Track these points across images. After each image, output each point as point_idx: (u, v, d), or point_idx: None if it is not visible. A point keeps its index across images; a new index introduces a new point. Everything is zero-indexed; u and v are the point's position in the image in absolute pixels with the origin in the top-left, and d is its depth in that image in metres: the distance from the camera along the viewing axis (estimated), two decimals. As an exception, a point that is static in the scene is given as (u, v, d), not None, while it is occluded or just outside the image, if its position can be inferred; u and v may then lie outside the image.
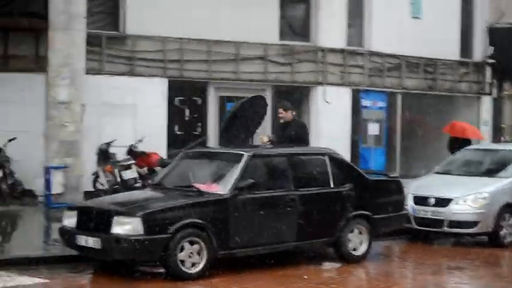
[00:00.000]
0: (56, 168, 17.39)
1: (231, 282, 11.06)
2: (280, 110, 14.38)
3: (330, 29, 22.64)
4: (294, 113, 14.39)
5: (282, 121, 14.39)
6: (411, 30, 23.98)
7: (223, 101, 21.51)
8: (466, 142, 20.24)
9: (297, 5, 22.92)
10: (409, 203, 14.95)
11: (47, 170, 17.36)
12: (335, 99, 22.59)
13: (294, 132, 13.96)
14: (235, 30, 21.01)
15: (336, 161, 13.25)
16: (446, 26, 24.93)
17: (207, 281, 11.01)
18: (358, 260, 12.85)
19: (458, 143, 20.46)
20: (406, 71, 24.21)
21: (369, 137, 23.32)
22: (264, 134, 14.42)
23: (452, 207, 14.78)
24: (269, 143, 14.03)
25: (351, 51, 23.12)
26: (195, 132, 21.08)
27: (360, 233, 12.97)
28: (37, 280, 11.00)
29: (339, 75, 22.86)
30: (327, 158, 13.08)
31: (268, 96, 21.98)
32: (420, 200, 15.13)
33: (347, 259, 12.77)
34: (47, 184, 17.35)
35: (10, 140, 17.82)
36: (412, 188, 15.56)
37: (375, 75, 23.64)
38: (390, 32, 23.51)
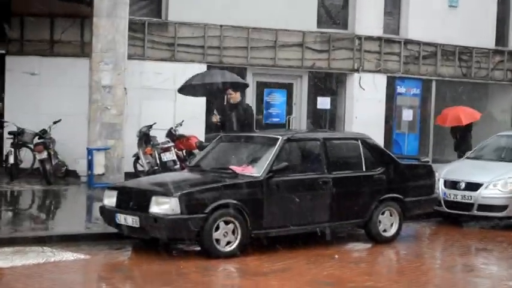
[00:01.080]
0: (98, 149, 17.56)
1: (264, 260, 11.14)
2: (230, 91, 14.14)
3: (367, 17, 22.60)
4: (241, 97, 14.20)
5: (231, 101, 14.12)
6: (447, 19, 23.85)
7: (261, 86, 21.60)
8: (467, 128, 20.37)
9: (335, -7, 22.96)
10: (440, 187, 14.98)
11: (90, 152, 17.52)
12: (370, 86, 22.57)
13: (238, 114, 13.81)
14: (274, 17, 21.07)
15: (369, 145, 13.27)
16: (482, 15, 24.73)
17: (241, 259, 11.11)
18: (388, 241, 12.91)
19: (460, 130, 20.55)
20: (441, 59, 24.08)
21: (403, 123, 23.28)
22: (215, 114, 14.24)
23: (482, 191, 14.78)
24: (218, 122, 13.95)
25: (387, 39, 23.07)
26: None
27: (391, 215, 13.02)
28: (79, 256, 11.14)
29: (375, 63, 22.83)
30: (359, 143, 13.13)
31: (305, 82, 22.12)
32: (451, 184, 15.16)
33: (377, 240, 12.83)
34: (90, 165, 17.50)
35: (55, 122, 18.03)
36: (444, 172, 15.56)
37: (410, 63, 23.56)
38: (426, 21, 23.40)
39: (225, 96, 14.25)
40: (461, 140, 20.86)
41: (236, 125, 13.77)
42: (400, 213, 13.10)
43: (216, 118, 14.09)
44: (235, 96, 13.95)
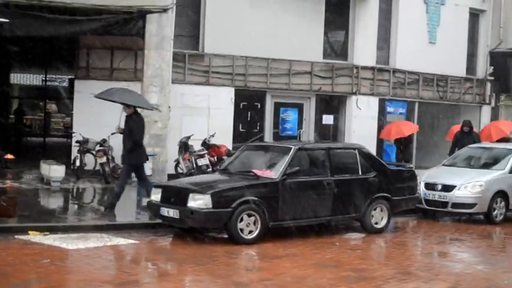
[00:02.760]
0: (147, 155, 17.52)
1: (279, 246, 11.09)
2: (124, 107, 13.74)
3: (363, 51, 22.46)
4: (133, 110, 13.58)
5: (126, 114, 13.69)
6: (427, 52, 23.69)
7: (277, 106, 21.53)
8: (409, 138, 20.19)
9: (337, 31, 22.78)
10: (421, 188, 14.86)
11: (140, 157, 17.46)
12: (365, 106, 22.42)
13: (130, 123, 13.46)
14: (289, 51, 20.99)
15: (364, 154, 13.20)
16: (455, 50, 24.57)
17: (260, 245, 11.07)
18: (379, 231, 12.82)
19: (402, 141, 20.67)
20: (422, 84, 23.90)
21: (392, 136, 23.14)
22: (118, 125, 13.98)
23: (455, 192, 14.67)
24: (121, 132, 13.65)
25: (379, 68, 22.92)
26: (254, 130, 21.07)
27: (381, 210, 12.94)
28: (130, 241, 11.16)
29: (369, 87, 22.68)
30: (357, 152, 13.08)
31: (313, 102, 22.02)
32: (430, 186, 15.03)
33: (370, 231, 12.74)
34: (140, 168, 17.45)
35: (113, 134, 17.97)
36: (424, 176, 15.44)
37: (397, 88, 23.40)
38: (411, 54, 23.23)
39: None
40: (405, 149, 21.20)
41: (127, 132, 13.49)
42: (388, 209, 13.01)
43: (117, 129, 13.96)
44: (128, 111, 13.60)
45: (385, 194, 12.99)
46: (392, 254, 11.44)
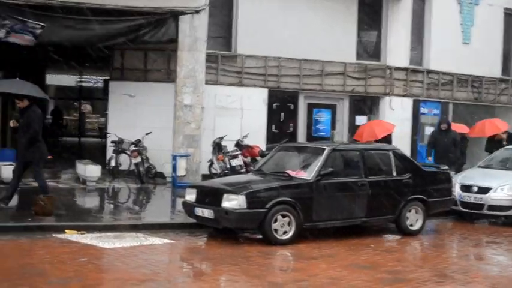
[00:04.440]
0: (181, 156, 17.63)
1: (313, 247, 11.06)
2: (17, 100, 12.91)
3: (396, 51, 22.34)
4: (28, 102, 12.68)
5: (19, 107, 12.94)
6: (461, 53, 23.49)
7: (310, 107, 21.50)
8: (386, 140, 18.59)
9: (370, 32, 22.67)
10: (457, 190, 14.68)
11: (174, 157, 17.58)
12: (399, 107, 22.30)
13: (25, 117, 12.63)
14: (321, 51, 20.95)
15: (398, 155, 13.10)
16: (490, 50, 24.33)
17: (294, 246, 11.04)
18: (414, 233, 12.71)
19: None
20: (456, 85, 23.71)
21: (426, 137, 22.88)
22: (13, 120, 13.05)
23: (491, 194, 14.46)
24: (16, 125, 12.78)
25: (413, 69, 22.78)
26: (288, 131, 21.08)
27: (416, 212, 12.82)
28: (165, 241, 11.21)
29: (403, 88, 22.55)
30: (391, 153, 12.98)
31: (346, 103, 21.95)
32: (465, 188, 14.84)
33: (405, 233, 12.64)
34: (174, 168, 17.58)
35: (147, 134, 18.15)
36: (459, 178, 15.27)
37: (431, 89, 23.23)
38: (444, 54, 23.05)
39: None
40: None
41: (23, 127, 12.63)
42: (424, 211, 12.89)
43: (13, 123, 13.34)
44: (21, 104, 12.70)
45: (420, 196, 12.87)
46: (427, 256, 11.33)
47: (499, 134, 19.23)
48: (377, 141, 18.05)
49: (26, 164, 12.93)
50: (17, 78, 14.87)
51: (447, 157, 16.75)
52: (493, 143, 18.93)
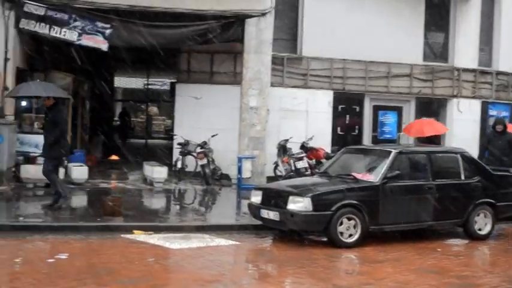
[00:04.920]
0: (246, 158, 17.73)
1: (379, 250, 10.96)
2: (44, 99, 13.33)
3: (464, 53, 21.98)
4: (54, 101, 13.14)
5: (47, 106, 13.24)
6: (533, 54, 22.98)
7: (376, 109, 21.34)
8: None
9: (437, 33, 22.35)
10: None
11: (239, 159, 17.71)
12: (467, 109, 21.92)
13: (50, 115, 13.01)
14: (387, 53, 20.76)
15: (467, 158, 12.89)
16: None
17: (360, 249, 10.97)
18: (483, 238, 12.47)
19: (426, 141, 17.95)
20: (527, 87, 23.21)
21: (495, 140, 22.45)
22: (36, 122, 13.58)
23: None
24: (41, 127, 13.22)
25: (481, 71, 22.36)
26: (353, 133, 20.98)
27: (485, 216, 12.57)
28: (231, 242, 11.27)
29: (471, 90, 22.16)
30: (459, 156, 12.78)
31: (413, 105, 21.68)
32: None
33: (473, 237, 12.41)
34: (239, 170, 17.70)
35: (213, 136, 18.28)
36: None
37: (500, 90, 22.77)
38: (514, 56, 22.64)
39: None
40: None
41: (48, 124, 13.04)
42: (493, 215, 12.64)
43: (38, 125, 13.62)
44: (47, 102, 13.15)
45: (489, 200, 12.62)
46: (497, 262, 11.08)
47: None
48: (423, 139, 17.69)
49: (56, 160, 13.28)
50: (38, 80, 15.63)
51: (501, 160, 15.97)
52: None
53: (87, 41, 16.46)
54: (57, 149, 13.10)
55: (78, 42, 16.48)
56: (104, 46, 16.62)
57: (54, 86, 14.76)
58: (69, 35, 16.33)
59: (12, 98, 15.72)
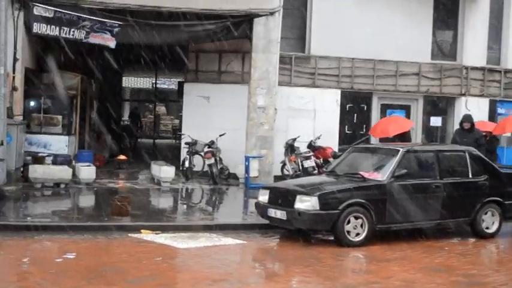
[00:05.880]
0: (254, 157, 17.74)
1: (386, 249, 10.97)
2: None
3: (472, 51, 21.92)
4: None
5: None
6: (541, 52, 22.90)
7: (384, 108, 21.33)
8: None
9: (446, 31, 22.32)
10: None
11: (247, 159, 17.73)
12: (475, 107, 21.81)
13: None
14: (395, 51, 20.75)
15: (474, 157, 12.86)
16: None
17: (367, 247, 10.98)
18: (490, 236, 12.43)
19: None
20: (536, 85, 23.14)
21: (502, 138, 22.34)
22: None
23: None
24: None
25: (490, 69, 22.30)
26: (361, 132, 20.96)
27: (493, 215, 12.54)
28: (238, 241, 11.30)
29: (479, 88, 22.11)
30: (467, 155, 12.75)
31: (421, 104, 21.65)
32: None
33: (481, 236, 12.38)
34: (247, 169, 17.72)
35: (221, 135, 18.32)
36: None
37: (509, 89, 22.69)
38: (523, 54, 22.57)
39: None
40: None
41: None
42: (500, 214, 12.61)
43: None
44: None
45: (497, 198, 12.59)
46: (504, 260, 11.09)
47: None
48: (390, 139, 17.26)
49: None
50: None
51: None
52: None
53: (95, 38, 16.55)
54: None
55: (85, 40, 16.56)
56: (111, 43, 16.72)
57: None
58: (78, 34, 16.39)
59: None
